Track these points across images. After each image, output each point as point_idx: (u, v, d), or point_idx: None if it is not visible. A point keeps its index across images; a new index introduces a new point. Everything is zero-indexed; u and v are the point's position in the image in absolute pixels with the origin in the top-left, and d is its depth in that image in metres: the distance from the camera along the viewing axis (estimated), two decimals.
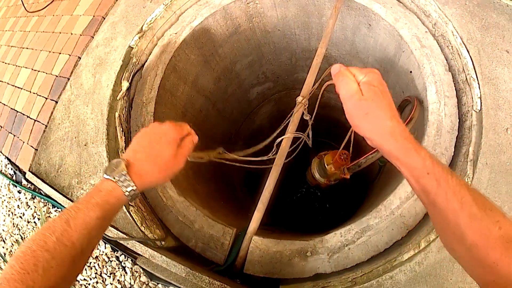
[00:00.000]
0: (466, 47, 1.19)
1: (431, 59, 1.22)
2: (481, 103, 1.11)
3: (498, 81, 1.13)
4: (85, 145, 1.40)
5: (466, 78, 1.17)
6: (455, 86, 1.18)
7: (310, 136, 1.22)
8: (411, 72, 1.35)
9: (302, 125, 1.20)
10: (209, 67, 1.70)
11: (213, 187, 1.69)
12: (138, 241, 1.15)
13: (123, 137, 1.37)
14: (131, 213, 1.20)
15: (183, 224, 1.17)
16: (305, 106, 1.19)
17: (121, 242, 1.21)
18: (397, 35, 1.32)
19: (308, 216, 3.01)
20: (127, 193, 0.67)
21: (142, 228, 1.17)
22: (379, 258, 1.02)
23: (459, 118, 1.14)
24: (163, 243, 1.16)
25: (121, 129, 1.38)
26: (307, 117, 1.20)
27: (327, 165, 1.47)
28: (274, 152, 1.19)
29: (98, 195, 0.65)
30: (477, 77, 1.14)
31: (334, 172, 1.46)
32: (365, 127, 0.61)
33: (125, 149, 1.37)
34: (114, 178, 0.67)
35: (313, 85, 1.22)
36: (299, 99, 1.18)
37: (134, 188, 0.67)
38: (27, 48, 1.99)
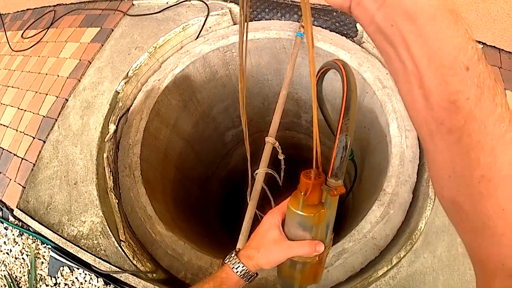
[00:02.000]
0: None
1: (392, 98, 1.40)
2: None
3: None
4: (75, 184, 1.49)
5: None
6: None
7: (282, 175, 1.36)
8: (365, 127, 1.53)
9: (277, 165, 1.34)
10: (188, 112, 1.84)
11: (193, 223, 1.81)
12: (131, 274, 1.26)
13: (111, 177, 1.48)
14: (123, 247, 1.31)
15: (172, 257, 1.29)
16: (274, 144, 1.33)
17: (114, 275, 1.30)
18: (361, 78, 1.50)
19: None
20: (238, 273, 0.71)
21: (134, 262, 1.28)
22: (356, 277, 1.16)
23: (419, 148, 1.31)
24: (154, 275, 1.27)
25: (109, 170, 1.49)
26: (281, 157, 1.35)
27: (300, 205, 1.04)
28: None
29: (219, 272, 0.73)
30: None
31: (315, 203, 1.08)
32: None
33: (113, 188, 1.48)
34: (225, 261, 0.74)
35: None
36: (268, 138, 1.33)
37: (243, 267, 0.71)
38: (12, 87, 2.07)
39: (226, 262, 0.74)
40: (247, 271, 0.72)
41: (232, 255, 0.74)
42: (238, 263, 0.71)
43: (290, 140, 2.48)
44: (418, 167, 1.29)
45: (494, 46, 1.50)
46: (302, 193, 0.63)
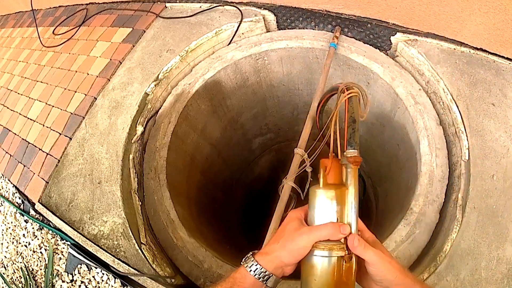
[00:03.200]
0: (455, 103, 1.34)
1: (424, 115, 1.37)
2: (469, 153, 1.25)
3: (484, 133, 1.28)
4: (99, 183, 1.49)
5: (456, 131, 1.32)
6: (445, 138, 1.34)
7: (307, 188, 1.33)
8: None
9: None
10: (217, 117, 1.84)
11: (216, 230, 1.80)
12: (149, 278, 1.25)
13: (136, 179, 1.48)
14: (143, 250, 1.30)
15: (192, 263, 1.27)
16: (302, 157, 1.31)
17: (133, 277, 1.29)
18: (393, 92, 1.48)
19: None
20: (252, 273, 0.68)
21: (154, 266, 1.26)
22: None
23: (449, 168, 1.28)
24: (173, 280, 1.26)
25: (135, 171, 1.49)
26: (309, 170, 1.33)
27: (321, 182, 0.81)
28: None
29: (236, 273, 0.70)
30: (465, 129, 1.29)
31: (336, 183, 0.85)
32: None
33: (137, 190, 1.47)
34: (241, 262, 0.71)
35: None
36: (297, 150, 1.31)
37: (257, 266, 0.68)
38: (41, 82, 2.10)
39: (241, 262, 0.70)
40: (262, 270, 0.68)
41: (248, 255, 0.71)
42: (252, 261, 0.68)
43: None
44: (447, 187, 1.26)
45: None
46: (322, 170, 0.66)
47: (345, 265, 0.63)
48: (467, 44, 1.47)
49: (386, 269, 0.63)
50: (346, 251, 0.62)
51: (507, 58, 1.43)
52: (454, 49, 1.47)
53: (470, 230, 1.14)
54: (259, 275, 0.68)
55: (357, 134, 0.68)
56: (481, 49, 1.46)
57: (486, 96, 1.34)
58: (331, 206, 0.64)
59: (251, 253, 0.71)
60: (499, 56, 1.43)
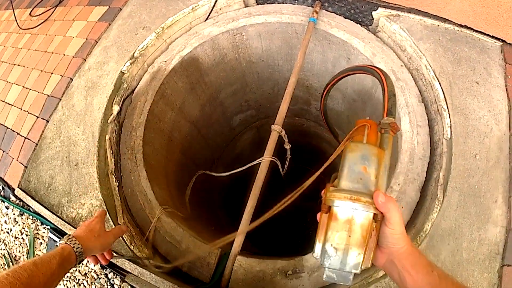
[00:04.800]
0: (438, 80, 1.31)
1: (406, 91, 1.34)
2: (451, 131, 1.23)
3: (467, 111, 1.25)
4: (76, 165, 1.46)
5: (438, 109, 1.29)
6: (427, 116, 1.31)
7: (286, 165, 1.31)
8: None
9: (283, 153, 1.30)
10: (195, 95, 1.79)
11: (197, 210, 1.77)
12: (127, 259, 1.22)
13: (113, 159, 1.44)
14: None
15: (171, 244, 1.25)
16: (280, 133, 1.28)
17: (111, 260, 1.27)
18: None
19: (287, 239, 3.07)
20: (75, 249, 0.88)
21: (131, 247, 1.24)
22: (356, 277, 1.10)
23: (430, 146, 1.26)
24: (151, 261, 1.24)
25: (111, 152, 1.45)
26: (287, 146, 1.30)
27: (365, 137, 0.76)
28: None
29: (57, 250, 0.85)
30: (447, 107, 1.26)
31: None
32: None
33: (114, 171, 1.44)
34: (66, 241, 0.89)
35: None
36: (274, 127, 1.28)
37: (80, 246, 0.89)
38: (18, 65, 2.04)
39: (67, 242, 0.89)
40: (82, 251, 0.89)
41: (71, 237, 0.90)
42: (75, 242, 0.89)
43: (299, 128, 2.42)
44: (428, 165, 1.23)
45: None
46: (364, 128, 0.71)
47: (376, 225, 0.64)
48: (451, 21, 1.44)
49: (401, 233, 0.65)
50: (379, 217, 0.64)
51: (493, 37, 1.40)
52: (438, 25, 1.44)
53: (452, 210, 1.12)
54: (79, 252, 0.88)
55: (395, 107, 0.78)
56: (466, 27, 1.42)
57: (470, 74, 1.31)
58: (373, 164, 0.65)
59: (71, 234, 0.91)
60: (485, 34, 1.40)
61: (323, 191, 0.68)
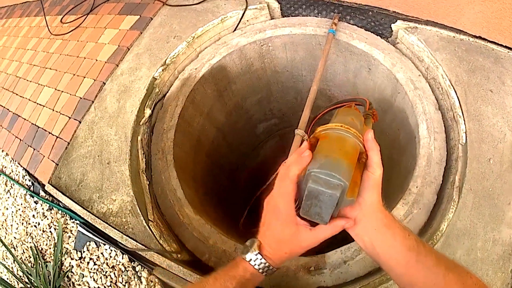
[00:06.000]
0: (454, 88, 1.37)
1: (423, 100, 1.41)
2: (466, 137, 1.28)
3: (482, 118, 1.31)
4: (108, 163, 1.54)
5: (454, 116, 1.35)
6: (444, 123, 1.37)
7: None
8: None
9: None
10: (222, 102, 1.89)
11: (220, 212, 1.84)
12: (156, 252, 1.29)
13: (144, 159, 1.53)
14: (151, 227, 1.35)
15: (198, 240, 1.32)
16: (303, 137, 1.35)
17: (140, 252, 1.34)
18: (393, 78, 1.52)
19: None
20: (261, 270, 0.69)
21: (161, 241, 1.31)
22: (375, 273, 1.16)
23: (447, 151, 1.32)
24: (179, 255, 1.30)
25: (143, 152, 1.54)
26: None
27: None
28: None
29: (235, 269, 0.70)
30: (463, 114, 1.32)
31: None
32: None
33: (145, 170, 1.52)
34: (246, 258, 0.70)
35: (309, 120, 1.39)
36: (297, 131, 1.35)
37: (268, 265, 0.69)
38: (50, 69, 2.15)
39: (247, 259, 0.70)
40: (269, 267, 0.70)
41: (255, 253, 0.70)
42: (261, 259, 0.69)
43: None
44: (444, 169, 1.29)
45: None
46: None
47: (361, 162, 0.65)
48: (466, 32, 1.50)
49: (378, 179, 0.65)
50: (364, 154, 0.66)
51: (506, 47, 1.45)
52: (453, 36, 1.50)
53: (467, 211, 1.16)
54: (266, 272, 0.70)
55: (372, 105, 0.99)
56: (480, 37, 1.48)
57: (484, 83, 1.37)
58: (357, 117, 0.77)
59: (255, 244, 0.70)
60: (498, 44, 1.46)
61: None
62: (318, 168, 0.59)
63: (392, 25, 1.63)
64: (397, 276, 0.65)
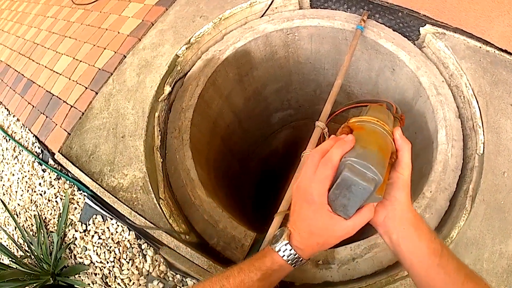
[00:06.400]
0: (476, 98, 1.35)
1: (445, 106, 1.39)
2: (484, 148, 1.27)
3: (500, 130, 1.29)
4: (122, 137, 1.51)
5: (473, 125, 1.33)
6: (462, 131, 1.36)
7: None
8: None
9: None
10: (242, 87, 1.85)
11: (230, 197, 1.82)
12: (164, 232, 1.26)
13: (159, 137, 1.49)
14: (161, 205, 1.32)
15: (208, 223, 1.29)
16: (323, 130, 1.32)
17: (148, 230, 1.31)
18: (417, 81, 1.49)
19: None
20: (289, 262, 0.66)
21: (170, 221, 1.28)
22: (382, 273, 1.14)
23: (463, 160, 1.31)
24: (187, 237, 1.27)
25: (159, 129, 1.50)
26: None
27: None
28: None
29: (262, 260, 0.67)
30: (482, 125, 1.30)
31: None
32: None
33: (160, 147, 1.49)
34: (275, 248, 0.67)
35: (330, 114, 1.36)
36: (318, 123, 1.32)
37: (297, 256, 0.66)
38: (70, 38, 2.12)
39: (276, 249, 0.67)
40: (298, 258, 0.67)
41: (284, 243, 0.66)
42: (290, 251, 0.66)
43: (334, 132, 2.48)
44: (459, 178, 1.28)
45: None
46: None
47: (390, 161, 0.63)
48: (492, 44, 1.47)
49: (407, 180, 0.64)
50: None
51: None
52: (480, 47, 1.48)
53: (477, 221, 1.15)
54: (295, 264, 0.67)
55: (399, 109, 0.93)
56: (506, 51, 1.46)
57: (505, 97, 1.35)
58: (388, 116, 0.73)
59: (285, 234, 0.67)
60: None
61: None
62: (356, 158, 0.57)
63: (421, 29, 1.60)
64: (416, 277, 0.65)
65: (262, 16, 1.75)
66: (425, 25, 1.58)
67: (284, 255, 0.66)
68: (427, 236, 0.63)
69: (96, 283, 1.40)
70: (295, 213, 0.67)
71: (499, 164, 1.24)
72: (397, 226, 0.64)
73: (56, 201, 1.66)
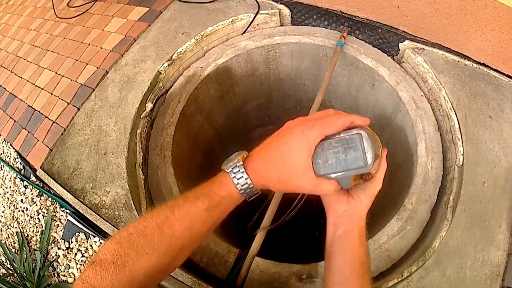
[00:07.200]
0: (455, 111, 1.40)
1: (424, 120, 1.44)
2: (463, 159, 1.31)
3: (479, 142, 1.34)
4: (104, 154, 1.52)
5: (452, 138, 1.38)
6: (442, 144, 1.40)
7: None
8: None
9: None
10: (223, 103, 1.88)
11: None
12: None
13: (142, 153, 1.50)
14: None
15: None
16: None
17: None
18: (396, 96, 1.54)
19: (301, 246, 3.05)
20: (239, 187, 0.59)
21: None
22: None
23: (443, 171, 1.35)
24: None
25: (141, 146, 1.52)
26: None
27: None
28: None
29: (210, 185, 0.62)
30: (461, 137, 1.35)
31: None
32: None
33: (142, 164, 1.50)
34: (226, 169, 0.61)
35: None
36: None
37: (249, 182, 0.59)
38: (52, 52, 2.11)
39: (228, 170, 0.61)
40: (252, 189, 0.60)
41: (238, 164, 0.60)
42: (242, 173, 0.59)
43: None
44: (439, 189, 1.32)
45: None
46: None
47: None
48: (470, 58, 1.53)
49: (374, 194, 0.69)
50: None
51: (507, 75, 1.49)
52: (458, 61, 1.53)
53: (459, 231, 1.19)
54: (246, 192, 0.60)
55: None
56: (484, 64, 1.52)
57: (484, 108, 1.40)
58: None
59: (240, 155, 0.62)
60: (500, 72, 1.50)
61: None
62: (368, 135, 0.58)
63: (400, 44, 1.65)
64: (331, 283, 0.67)
65: (244, 32, 1.78)
66: (404, 40, 1.63)
67: (234, 177, 0.59)
68: (364, 249, 0.66)
69: None
70: (269, 141, 0.64)
71: (478, 174, 1.28)
72: (349, 224, 0.66)
73: (38, 218, 1.65)
